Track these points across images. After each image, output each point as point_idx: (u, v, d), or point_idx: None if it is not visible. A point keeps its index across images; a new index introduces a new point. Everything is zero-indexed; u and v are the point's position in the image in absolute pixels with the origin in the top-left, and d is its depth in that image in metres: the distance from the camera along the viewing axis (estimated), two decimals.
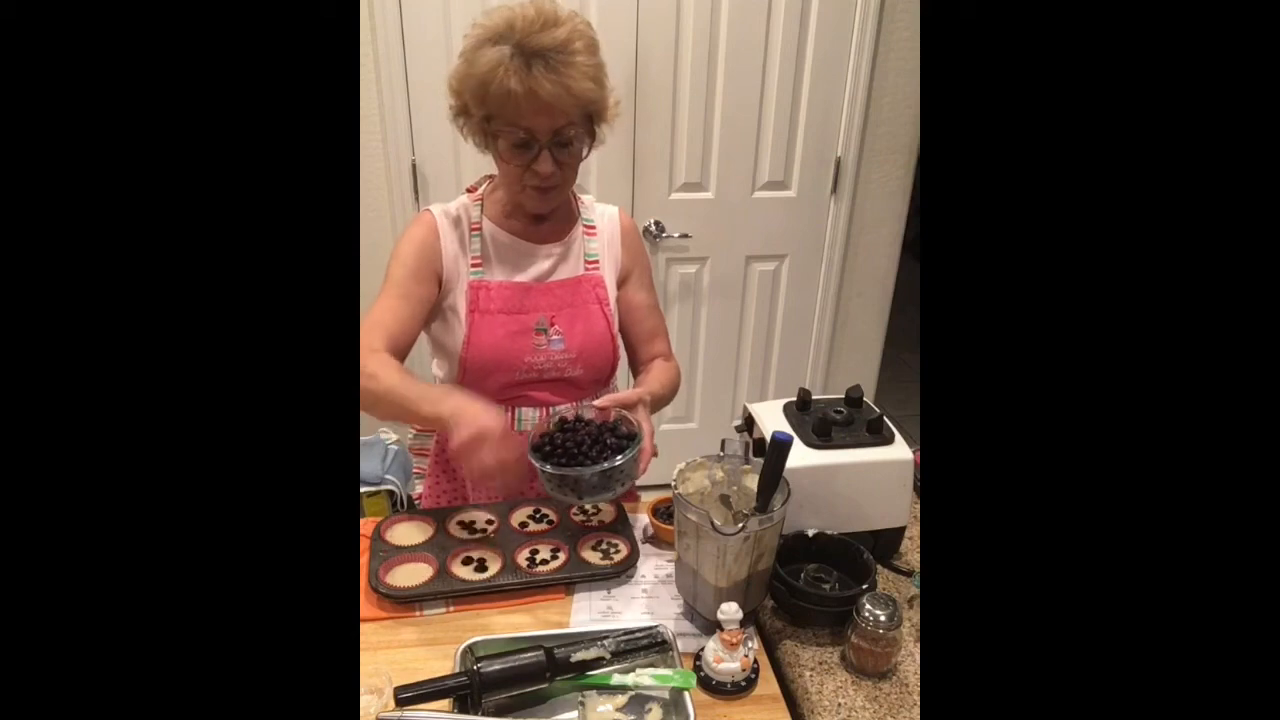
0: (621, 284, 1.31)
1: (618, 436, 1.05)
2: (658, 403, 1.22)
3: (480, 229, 1.24)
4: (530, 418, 1.25)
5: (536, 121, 1.08)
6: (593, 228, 1.29)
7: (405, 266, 1.20)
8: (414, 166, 2.17)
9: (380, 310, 1.18)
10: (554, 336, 1.23)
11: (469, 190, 1.28)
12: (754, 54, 2.18)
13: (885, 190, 2.41)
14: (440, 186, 2.20)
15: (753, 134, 2.27)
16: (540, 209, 1.21)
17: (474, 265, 1.23)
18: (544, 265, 1.25)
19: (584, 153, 1.16)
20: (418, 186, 2.19)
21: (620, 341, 1.30)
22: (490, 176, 1.27)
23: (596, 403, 1.10)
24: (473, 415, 0.99)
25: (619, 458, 1.01)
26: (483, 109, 1.10)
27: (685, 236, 2.35)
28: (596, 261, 1.28)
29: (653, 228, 2.31)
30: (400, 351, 1.18)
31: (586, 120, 1.14)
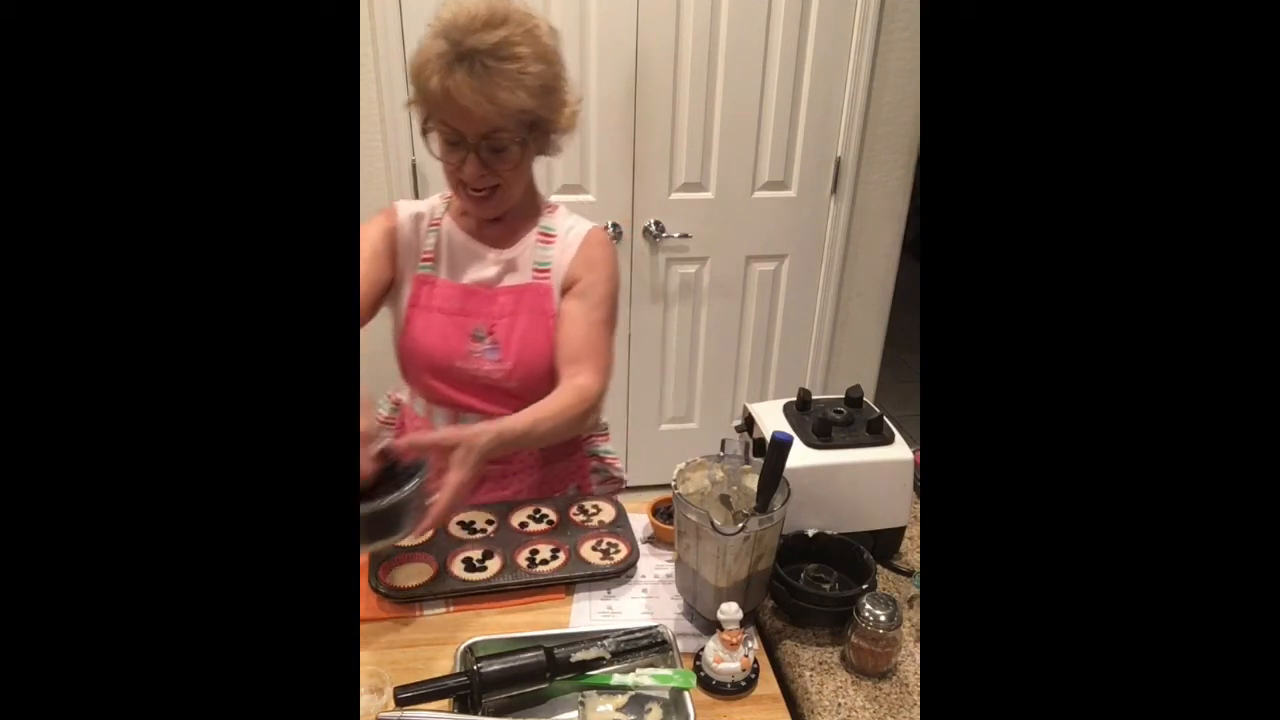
0: (564, 292, 1.21)
1: (396, 475, 0.91)
2: (524, 438, 1.05)
3: (439, 225, 1.23)
4: (474, 423, 1.18)
5: (462, 124, 1.05)
6: (550, 235, 1.23)
7: (365, 247, 1.20)
8: (414, 166, 2.17)
9: None
10: (488, 346, 1.19)
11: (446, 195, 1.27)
12: (754, 54, 2.18)
13: (885, 190, 2.41)
14: (440, 186, 2.19)
15: (753, 134, 2.27)
16: (476, 212, 1.18)
17: (424, 260, 1.22)
18: (492, 271, 1.21)
19: (523, 160, 1.11)
20: (418, 186, 2.19)
21: None
22: None
23: (398, 442, 0.95)
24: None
25: (376, 502, 0.86)
26: (419, 98, 1.07)
27: (685, 236, 2.35)
28: (547, 270, 1.21)
29: (653, 228, 2.31)
30: None
31: (526, 128, 1.08)
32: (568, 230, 1.23)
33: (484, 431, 0.99)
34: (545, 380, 1.19)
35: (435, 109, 1.06)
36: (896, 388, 3.19)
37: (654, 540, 1.16)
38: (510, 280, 1.22)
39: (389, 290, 1.23)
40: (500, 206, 1.16)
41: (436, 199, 1.27)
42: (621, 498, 1.25)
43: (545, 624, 1.00)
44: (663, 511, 1.18)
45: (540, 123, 1.10)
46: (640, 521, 1.19)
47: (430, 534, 1.12)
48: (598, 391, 1.15)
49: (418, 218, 1.23)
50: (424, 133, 1.12)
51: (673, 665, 0.92)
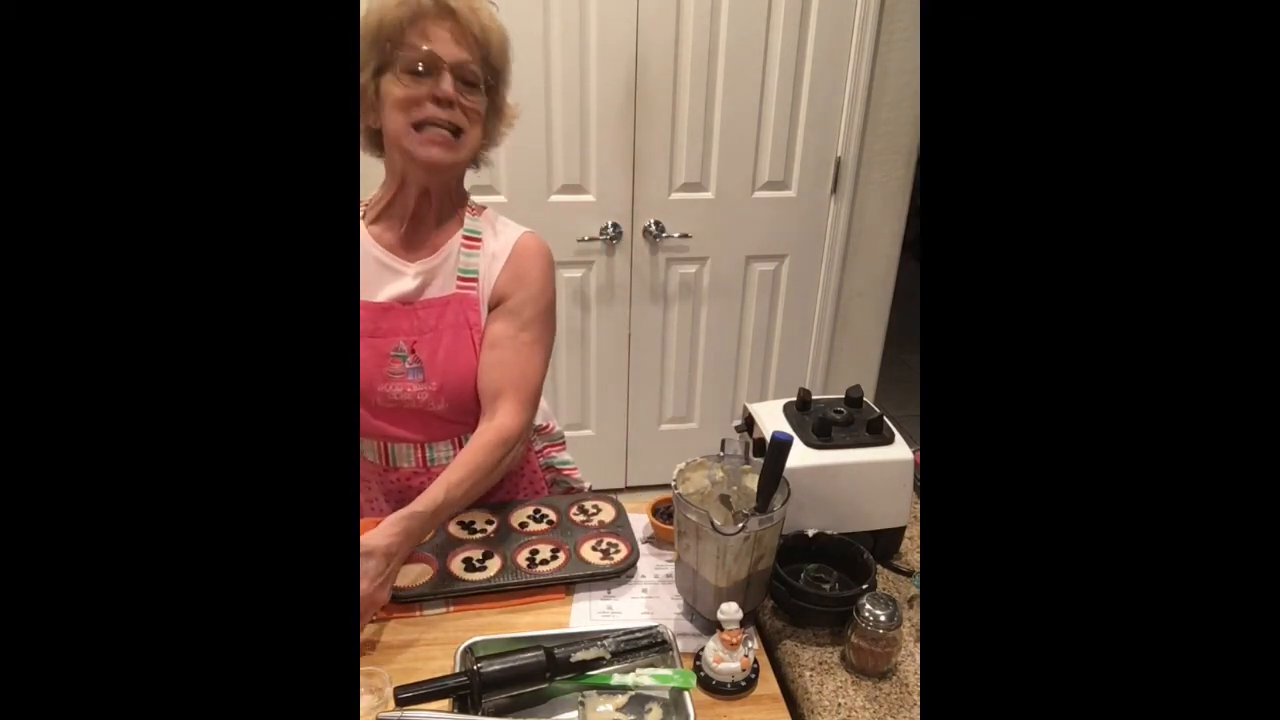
0: (491, 308, 1.13)
1: None
2: (438, 515, 1.01)
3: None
4: (405, 454, 1.18)
5: (439, 44, 1.01)
6: (475, 239, 1.13)
7: None
8: None
9: None
10: (411, 365, 1.11)
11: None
12: (754, 54, 2.18)
13: (885, 190, 2.41)
14: None
15: (753, 134, 2.27)
16: (436, 158, 1.04)
17: None
18: (412, 284, 1.12)
19: (484, 118, 1.08)
20: None
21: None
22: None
23: None
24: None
25: None
26: (378, 47, 1.01)
27: (685, 236, 2.35)
28: (473, 279, 1.13)
29: (653, 228, 2.31)
30: None
31: (486, 75, 1.06)
32: (496, 235, 1.15)
33: (392, 539, 0.93)
34: (473, 402, 1.13)
35: (412, 31, 1.00)
36: (896, 388, 3.19)
37: (654, 540, 1.16)
38: (432, 292, 1.13)
39: None
40: (457, 156, 1.06)
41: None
42: (621, 498, 1.25)
43: (545, 624, 1.00)
44: (663, 511, 1.18)
45: (494, 92, 1.09)
46: (640, 521, 1.19)
47: (430, 534, 1.12)
48: (518, 431, 1.09)
49: None
50: (374, 90, 1.03)
51: (673, 665, 0.92)
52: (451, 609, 1.02)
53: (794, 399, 1.16)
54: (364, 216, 1.14)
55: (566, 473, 1.36)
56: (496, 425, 1.08)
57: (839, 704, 0.90)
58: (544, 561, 1.08)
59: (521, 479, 1.31)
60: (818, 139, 2.31)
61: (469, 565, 1.07)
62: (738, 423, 1.21)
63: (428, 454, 1.19)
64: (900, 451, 1.08)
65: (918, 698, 0.91)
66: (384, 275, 1.12)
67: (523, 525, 1.15)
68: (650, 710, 0.89)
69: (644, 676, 0.89)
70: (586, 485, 1.38)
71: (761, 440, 1.06)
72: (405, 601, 1.01)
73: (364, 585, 0.89)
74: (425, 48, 1.01)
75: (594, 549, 1.11)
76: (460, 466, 1.05)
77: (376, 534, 0.94)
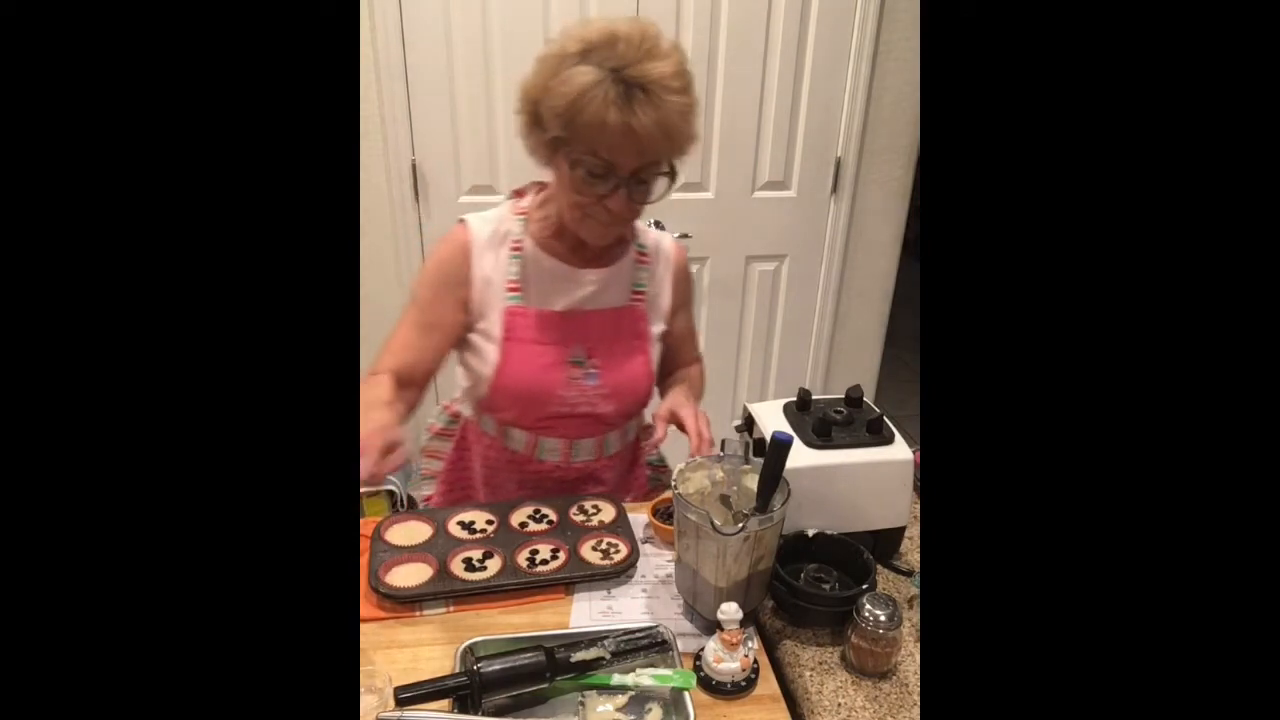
0: (667, 320, 1.25)
1: None
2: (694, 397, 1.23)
3: (521, 249, 1.15)
4: (552, 448, 1.22)
5: (622, 157, 0.99)
6: (645, 256, 1.21)
7: (429, 290, 1.15)
8: (414, 166, 2.17)
9: (398, 341, 1.14)
10: (590, 370, 1.16)
11: (516, 193, 1.19)
12: (754, 54, 2.18)
13: (885, 190, 2.41)
14: (440, 186, 2.20)
15: (753, 134, 2.27)
16: (599, 242, 1.13)
17: (510, 290, 1.14)
18: (586, 291, 1.17)
19: (660, 193, 1.07)
20: (418, 186, 2.19)
21: (655, 378, 1.25)
22: (540, 184, 1.18)
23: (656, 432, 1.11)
24: (364, 425, 0.93)
25: None
26: (562, 129, 0.99)
27: (685, 236, 2.35)
28: (643, 293, 1.21)
29: (653, 228, 2.31)
30: (414, 380, 1.14)
31: (667, 164, 1.05)
32: (656, 248, 1.23)
33: (680, 398, 1.15)
34: (640, 403, 1.23)
35: (596, 141, 0.98)
36: (896, 388, 3.19)
37: (654, 540, 1.16)
38: (605, 301, 1.18)
39: (466, 327, 1.17)
40: (621, 231, 1.14)
41: (507, 213, 1.17)
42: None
43: (545, 624, 1.00)
44: (662, 512, 1.18)
45: (680, 151, 1.06)
46: (640, 521, 1.19)
47: (431, 534, 1.12)
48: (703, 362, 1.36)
49: (494, 239, 1.15)
50: (548, 160, 1.05)
51: (673, 665, 0.92)
52: (451, 609, 1.02)
53: (794, 399, 1.16)
54: (527, 222, 1.16)
55: (663, 470, 1.40)
56: (701, 369, 1.34)
57: (839, 704, 0.90)
58: (544, 561, 1.08)
59: (632, 475, 1.36)
60: (818, 139, 2.31)
61: (469, 565, 1.06)
62: (738, 423, 1.22)
63: (573, 451, 1.23)
64: (900, 451, 1.08)
65: (918, 698, 0.91)
66: (560, 284, 1.16)
67: (523, 525, 1.15)
68: (650, 710, 0.89)
69: (644, 676, 0.89)
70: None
71: (761, 440, 1.06)
72: (405, 601, 1.01)
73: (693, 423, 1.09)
74: (606, 158, 0.99)
75: (594, 549, 1.11)
76: (685, 381, 1.27)
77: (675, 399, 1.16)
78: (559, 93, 0.97)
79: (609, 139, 0.97)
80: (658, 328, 1.24)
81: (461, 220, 1.16)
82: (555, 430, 1.20)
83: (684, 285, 1.27)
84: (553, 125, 1.00)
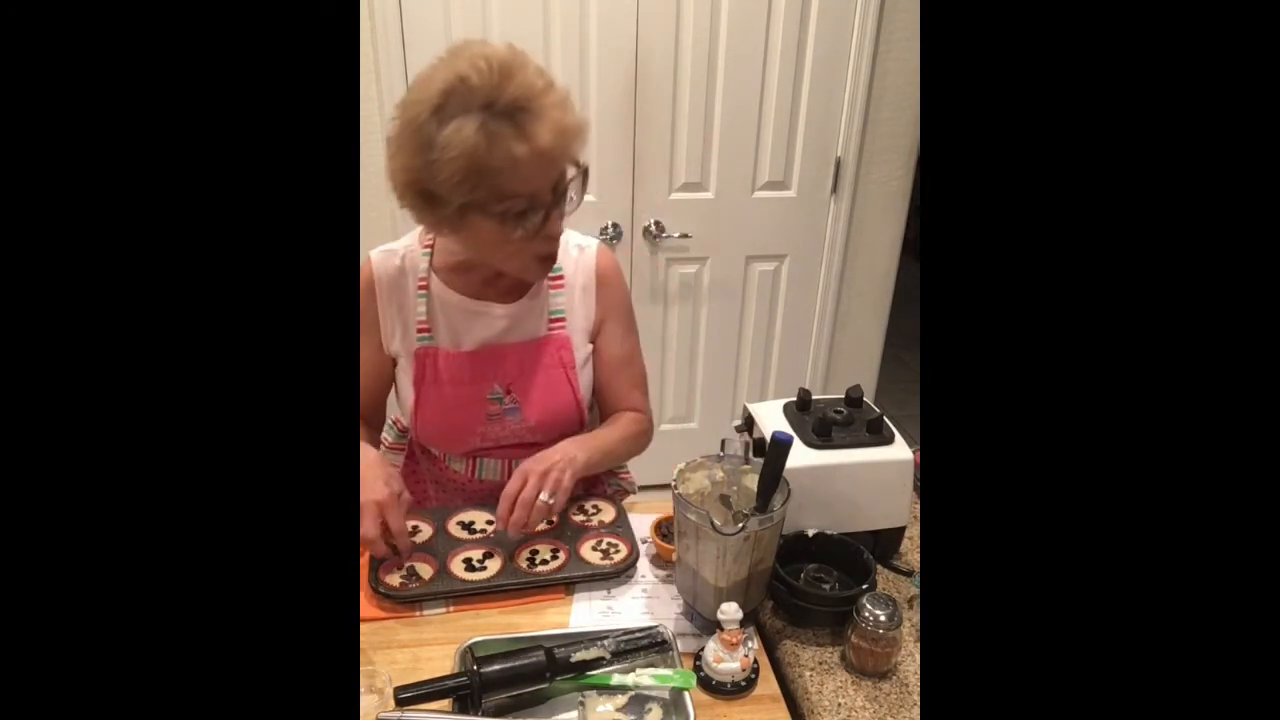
0: (593, 338, 1.19)
1: None
2: (606, 459, 1.14)
3: (427, 287, 1.11)
4: (492, 468, 1.21)
5: (540, 184, 0.94)
6: (559, 280, 1.14)
7: (361, 334, 1.13)
8: None
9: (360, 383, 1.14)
10: (509, 405, 1.14)
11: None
12: (754, 54, 2.18)
13: (885, 190, 2.41)
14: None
15: (753, 134, 2.27)
16: (543, 276, 1.10)
17: (420, 331, 1.11)
18: (498, 326, 1.13)
19: (579, 191, 1.00)
20: None
21: (586, 405, 1.19)
22: None
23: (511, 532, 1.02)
24: (364, 486, 0.98)
25: None
26: (469, 193, 0.91)
27: (685, 236, 2.35)
28: (562, 319, 1.15)
29: (653, 228, 2.31)
30: (370, 420, 1.16)
31: (571, 166, 0.99)
32: (575, 264, 1.16)
33: (572, 457, 1.06)
34: (573, 429, 1.18)
35: (510, 182, 0.91)
36: (896, 388, 3.19)
37: (655, 560, 1.14)
38: (521, 334, 1.14)
39: (393, 363, 1.15)
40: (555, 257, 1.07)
41: (412, 245, 1.13)
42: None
43: (545, 624, 1.00)
44: (666, 529, 1.15)
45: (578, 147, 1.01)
46: (640, 521, 1.19)
47: (431, 534, 1.12)
48: (651, 422, 1.24)
49: (398, 276, 1.10)
50: (454, 229, 0.97)
51: (673, 665, 0.92)
52: (451, 609, 1.02)
53: (794, 399, 1.16)
54: (431, 258, 1.11)
55: (622, 475, 1.36)
56: (637, 417, 1.21)
57: (839, 704, 0.90)
58: (544, 561, 1.08)
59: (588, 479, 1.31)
60: (818, 139, 2.31)
61: (469, 565, 1.07)
62: (738, 423, 1.21)
63: (513, 469, 1.19)
64: (900, 451, 1.08)
65: (918, 698, 0.91)
66: (469, 321, 1.12)
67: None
68: (650, 710, 0.89)
69: (644, 676, 0.89)
70: (634, 490, 1.37)
71: (761, 440, 1.06)
72: (405, 601, 1.01)
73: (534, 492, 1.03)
74: (525, 192, 0.93)
75: (594, 549, 1.11)
76: (614, 432, 1.17)
77: (542, 457, 1.06)
78: (447, 161, 0.88)
79: (522, 174, 0.91)
80: (585, 350, 1.18)
81: (366, 257, 1.11)
82: (491, 454, 1.20)
83: (609, 292, 1.17)
84: (456, 194, 0.91)
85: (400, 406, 1.21)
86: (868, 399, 1.17)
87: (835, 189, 2.38)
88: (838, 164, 2.34)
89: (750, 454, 1.03)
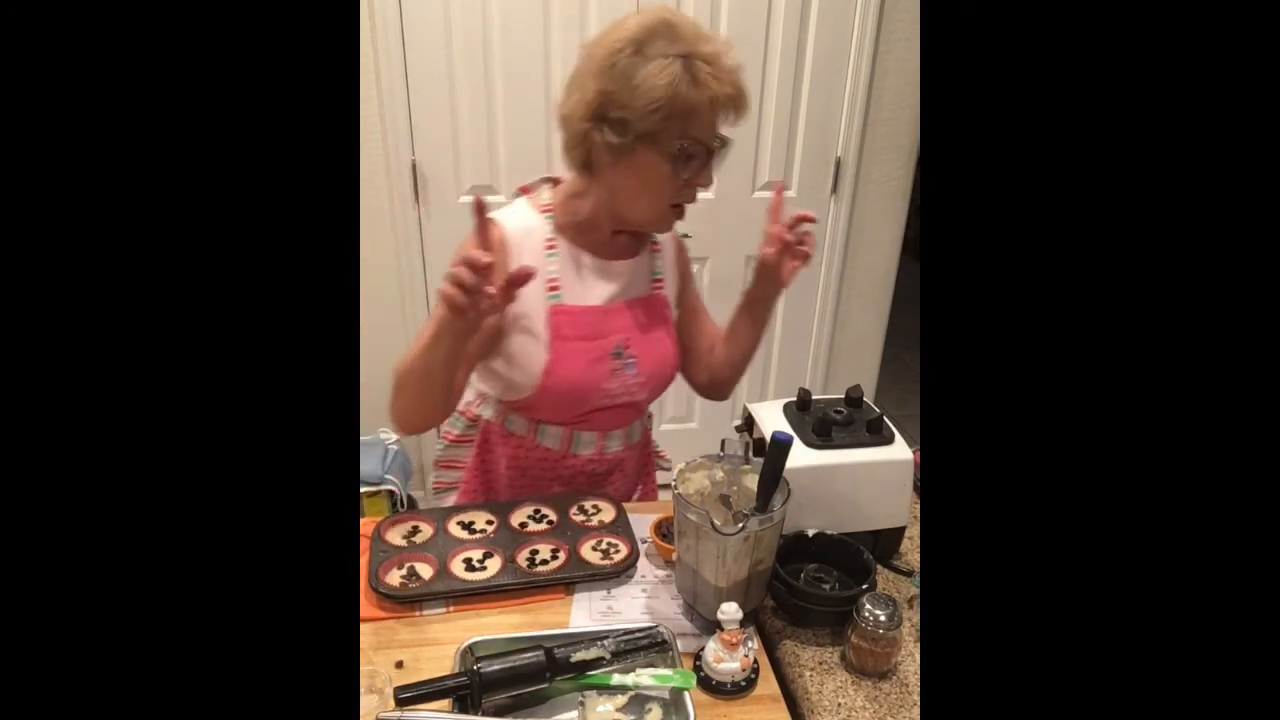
0: (679, 299, 1.30)
1: None
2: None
3: (556, 246, 1.14)
4: (588, 441, 1.23)
5: (710, 132, 1.04)
6: (657, 244, 1.25)
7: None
8: (414, 166, 2.17)
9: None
10: (629, 360, 1.18)
11: (524, 190, 1.19)
12: (754, 54, 2.18)
13: (885, 190, 2.41)
14: (440, 186, 2.20)
15: (753, 134, 2.27)
16: (669, 229, 1.19)
17: (551, 288, 1.13)
18: (617, 285, 1.19)
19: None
20: (418, 186, 2.19)
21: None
22: (550, 180, 1.19)
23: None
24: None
25: None
26: (658, 123, 1.00)
27: (685, 236, 2.34)
28: (661, 280, 1.25)
29: None
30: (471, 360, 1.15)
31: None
32: (664, 235, 1.26)
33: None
34: (666, 387, 1.27)
35: (685, 124, 1.01)
36: (896, 388, 3.19)
37: (654, 559, 1.14)
38: (634, 292, 1.21)
39: (498, 333, 1.15)
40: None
41: (526, 207, 1.16)
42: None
43: (545, 624, 1.00)
44: (666, 530, 1.15)
45: None
46: (639, 521, 1.19)
47: (431, 534, 1.12)
48: None
49: (526, 234, 1.13)
50: (612, 162, 1.05)
51: (673, 665, 0.92)
52: (451, 609, 1.02)
53: (794, 399, 1.16)
54: (554, 217, 1.15)
55: (662, 455, 1.44)
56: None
57: (839, 704, 0.90)
58: (544, 561, 1.08)
59: (647, 461, 1.40)
60: (818, 139, 2.31)
61: (469, 565, 1.07)
62: (738, 423, 1.22)
63: (607, 442, 1.25)
64: (900, 451, 1.08)
65: (918, 698, 0.91)
66: (594, 279, 1.17)
67: (523, 525, 1.15)
68: (650, 710, 0.89)
69: (644, 676, 0.89)
70: (670, 465, 1.40)
71: (761, 440, 1.06)
72: (405, 601, 1.01)
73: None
74: (697, 137, 1.03)
75: (594, 549, 1.11)
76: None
77: None
78: (648, 89, 0.98)
79: (705, 118, 1.02)
80: (675, 312, 1.28)
81: (489, 217, 1.14)
82: (591, 424, 1.21)
83: (685, 263, 1.33)
84: (645, 123, 1.00)
85: (504, 379, 1.18)
86: (868, 399, 1.17)
87: (835, 189, 2.38)
88: (838, 164, 2.35)
89: (750, 454, 1.03)
